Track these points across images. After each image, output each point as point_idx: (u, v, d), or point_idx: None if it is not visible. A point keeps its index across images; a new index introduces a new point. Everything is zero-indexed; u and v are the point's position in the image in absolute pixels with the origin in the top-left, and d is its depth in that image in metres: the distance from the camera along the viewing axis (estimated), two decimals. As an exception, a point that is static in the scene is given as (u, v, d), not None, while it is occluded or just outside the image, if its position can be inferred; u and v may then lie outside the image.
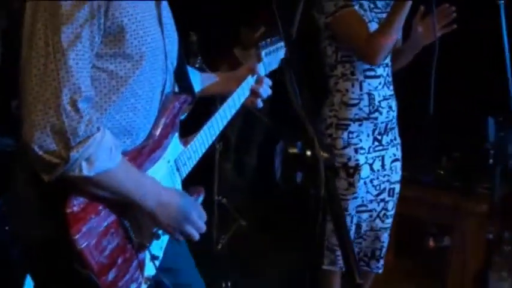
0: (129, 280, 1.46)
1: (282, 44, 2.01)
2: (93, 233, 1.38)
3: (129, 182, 1.41)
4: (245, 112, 3.88)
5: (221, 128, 1.77)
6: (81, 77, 1.30)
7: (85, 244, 1.34)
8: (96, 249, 1.38)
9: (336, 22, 2.45)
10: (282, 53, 2.04)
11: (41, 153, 1.27)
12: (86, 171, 1.29)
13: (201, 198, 1.70)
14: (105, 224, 1.41)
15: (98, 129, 1.31)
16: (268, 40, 1.94)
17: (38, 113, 1.26)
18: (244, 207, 3.99)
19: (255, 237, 3.74)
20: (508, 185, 3.36)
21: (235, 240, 3.65)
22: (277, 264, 3.40)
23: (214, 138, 1.74)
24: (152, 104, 1.52)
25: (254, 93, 1.88)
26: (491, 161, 2.51)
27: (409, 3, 2.29)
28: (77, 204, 1.34)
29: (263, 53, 1.91)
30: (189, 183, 2.15)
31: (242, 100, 1.85)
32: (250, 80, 1.85)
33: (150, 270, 1.54)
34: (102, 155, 1.32)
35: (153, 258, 1.53)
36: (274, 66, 2.01)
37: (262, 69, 1.90)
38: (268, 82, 1.91)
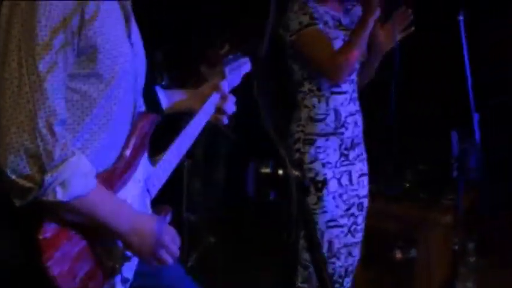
0: None
1: (244, 60, 2.05)
2: (65, 258, 1.37)
3: (103, 207, 1.41)
4: (212, 128, 3.92)
5: (188, 145, 1.79)
6: (57, 99, 1.30)
7: (58, 271, 1.34)
8: (69, 275, 1.37)
9: (300, 40, 2.50)
10: (245, 69, 2.08)
11: (14, 177, 1.25)
12: (61, 196, 1.29)
13: (168, 217, 1.70)
14: (77, 249, 1.41)
15: (73, 153, 1.31)
16: (231, 57, 1.98)
17: (12, 135, 1.25)
18: (214, 224, 3.98)
19: (226, 253, 3.73)
20: (471, 197, 3.48)
21: (205, 257, 3.62)
22: (249, 281, 3.40)
23: (182, 156, 1.76)
24: (123, 125, 1.52)
25: (219, 110, 1.91)
26: (455, 173, 2.56)
27: (372, 21, 2.36)
28: (49, 230, 1.33)
29: (227, 70, 1.95)
30: (158, 201, 2.14)
31: (208, 117, 1.88)
32: (215, 97, 1.88)
33: (121, 292, 1.54)
34: (77, 180, 1.32)
35: (124, 281, 1.52)
36: (237, 82, 2.05)
37: (226, 86, 1.94)
38: (232, 99, 1.94)
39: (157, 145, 1.71)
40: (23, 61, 1.27)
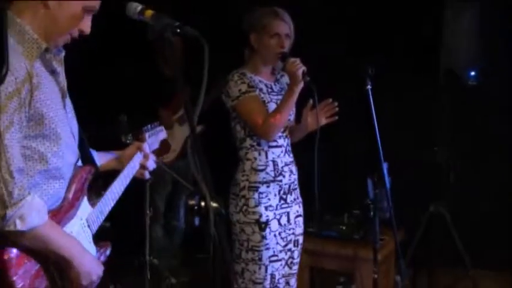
0: None
1: (160, 128, 2.34)
2: (26, 275, 1.57)
3: (53, 236, 1.63)
4: (173, 182, 4.17)
5: (120, 193, 2.02)
6: (14, 153, 1.51)
7: (21, 285, 1.54)
8: None
9: (239, 105, 2.70)
10: (161, 136, 2.35)
11: None
12: (20, 226, 1.50)
13: (108, 251, 1.95)
14: (36, 268, 1.62)
15: (29, 193, 1.53)
16: (150, 126, 2.26)
17: None
18: (174, 266, 4.06)
19: None
20: (401, 234, 3.60)
21: None
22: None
23: (115, 200, 1.99)
24: (67, 173, 1.76)
25: (142, 166, 2.15)
26: (371, 213, 2.81)
27: (298, 92, 2.58)
28: (13, 252, 1.55)
29: (147, 135, 2.21)
30: (125, 245, 2.35)
31: (134, 171, 2.11)
32: (138, 156, 2.13)
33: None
34: (32, 214, 1.53)
35: None
36: (156, 146, 2.31)
37: (147, 147, 2.18)
38: (153, 157, 2.19)
39: (95, 191, 1.95)
40: None
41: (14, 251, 1.55)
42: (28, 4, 1.65)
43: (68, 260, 1.66)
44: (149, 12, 1.67)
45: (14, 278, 1.53)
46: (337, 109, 2.77)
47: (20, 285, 1.54)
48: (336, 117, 2.79)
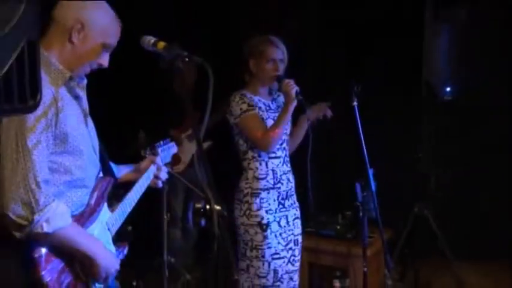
0: None
1: (172, 144, 2.40)
2: (53, 271, 1.65)
3: (77, 237, 1.70)
4: (187, 190, 4.22)
5: (136, 200, 2.09)
6: (41, 166, 1.59)
7: (49, 279, 1.62)
8: (56, 283, 1.65)
9: (241, 122, 2.75)
10: (173, 150, 2.41)
11: (14, 217, 1.54)
12: (46, 229, 1.57)
13: (125, 250, 2.02)
14: (62, 265, 1.69)
15: (53, 200, 1.60)
16: (162, 142, 2.32)
17: (13, 190, 1.54)
18: (189, 265, 4.06)
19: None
20: (389, 233, 3.67)
21: None
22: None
23: (132, 207, 2.06)
24: (90, 184, 1.85)
25: (156, 177, 2.21)
26: (360, 214, 2.88)
27: (292, 109, 2.65)
28: (41, 251, 1.63)
29: (159, 150, 2.27)
30: (145, 246, 2.37)
31: (148, 182, 2.18)
32: (152, 168, 2.20)
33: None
34: (56, 218, 1.60)
35: None
36: (168, 159, 2.37)
37: (160, 160, 2.25)
38: (165, 169, 2.26)
39: (115, 198, 2.02)
40: (18, 142, 1.56)
41: (43, 250, 1.63)
42: (56, 39, 1.74)
43: (91, 258, 1.73)
44: (161, 44, 1.72)
45: (43, 273, 1.60)
46: (330, 113, 2.87)
47: (47, 279, 1.61)
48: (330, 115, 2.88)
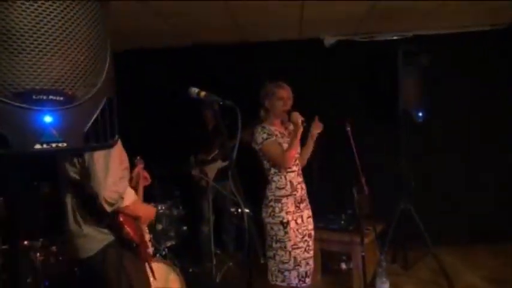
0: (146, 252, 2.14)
1: None
2: (131, 226, 1.98)
3: (138, 206, 2.05)
4: (213, 198, 3.99)
5: None
6: (116, 172, 1.89)
7: (130, 230, 1.96)
8: (135, 234, 1.99)
9: (264, 148, 2.71)
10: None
11: (109, 199, 1.86)
12: (123, 204, 1.92)
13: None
14: (135, 224, 2.02)
15: (125, 187, 1.94)
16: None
17: (107, 186, 1.84)
18: (231, 253, 3.98)
19: (241, 274, 3.74)
20: (382, 226, 3.65)
21: (226, 276, 3.67)
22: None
23: None
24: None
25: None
26: (357, 212, 2.87)
27: (300, 134, 2.62)
28: (123, 216, 1.97)
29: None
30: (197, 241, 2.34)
31: None
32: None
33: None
34: (128, 197, 1.94)
35: (155, 250, 2.17)
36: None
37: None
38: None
39: None
40: (106, 158, 1.85)
41: (123, 215, 1.97)
42: None
43: (140, 216, 2.08)
44: (203, 93, 1.76)
45: (126, 227, 1.96)
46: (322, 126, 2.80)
47: (130, 230, 1.97)
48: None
